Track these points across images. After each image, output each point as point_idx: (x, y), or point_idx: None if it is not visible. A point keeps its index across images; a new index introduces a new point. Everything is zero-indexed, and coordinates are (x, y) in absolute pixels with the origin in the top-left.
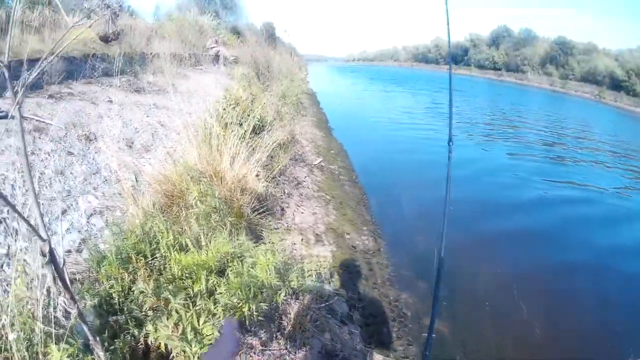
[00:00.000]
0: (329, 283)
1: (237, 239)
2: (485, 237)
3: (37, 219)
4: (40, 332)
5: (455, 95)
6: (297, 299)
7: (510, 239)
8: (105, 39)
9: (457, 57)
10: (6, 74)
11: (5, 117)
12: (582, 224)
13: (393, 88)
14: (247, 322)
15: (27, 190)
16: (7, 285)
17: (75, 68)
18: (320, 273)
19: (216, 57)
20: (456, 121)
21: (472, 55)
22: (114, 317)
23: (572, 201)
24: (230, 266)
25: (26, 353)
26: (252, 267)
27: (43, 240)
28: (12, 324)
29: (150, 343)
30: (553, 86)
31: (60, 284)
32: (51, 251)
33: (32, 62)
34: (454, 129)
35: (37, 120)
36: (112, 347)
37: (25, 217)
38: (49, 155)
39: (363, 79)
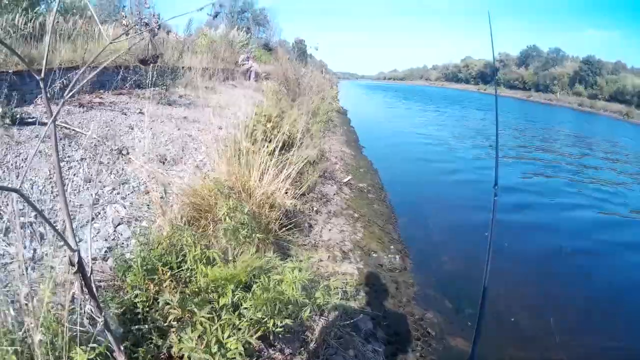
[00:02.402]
0: (355, 300)
1: (265, 255)
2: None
3: (67, 230)
4: (65, 336)
5: (488, 114)
6: (322, 316)
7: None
8: (144, 62)
9: (487, 76)
10: (42, 86)
11: (35, 123)
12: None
13: (424, 107)
14: (271, 337)
15: (56, 196)
16: (32, 289)
17: (107, 78)
18: (346, 290)
19: (248, 73)
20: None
21: (501, 75)
22: (137, 326)
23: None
24: (257, 281)
25: (50, 356)
26: (278, 284)
27: (73, 250)
28: (39, 327)
29: (173, 354)
30: (582, 106)
31: (87, 292)
32: (80, 261)
33: (65, 70)
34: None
35: (70, 130)
36: (134, 355)
37: (54, 224)
38: (78, 163)
39: (394, 97)
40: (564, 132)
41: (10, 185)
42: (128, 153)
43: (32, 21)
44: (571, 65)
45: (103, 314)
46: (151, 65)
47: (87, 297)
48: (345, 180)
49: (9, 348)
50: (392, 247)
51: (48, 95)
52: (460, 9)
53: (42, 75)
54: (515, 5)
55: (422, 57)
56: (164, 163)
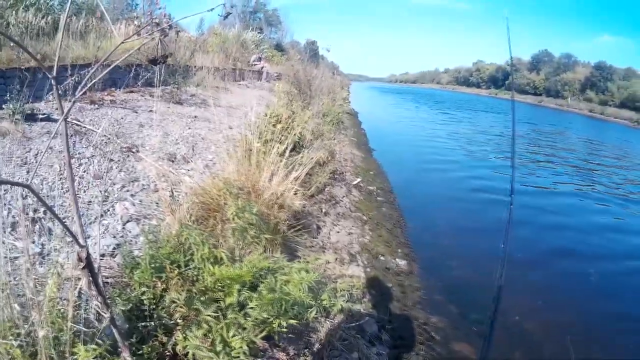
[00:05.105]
0: (361, 303)
1: (273, 255)
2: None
3: (76, 226)
4: (69, 331)
5: (501, 119)
6: (328, 317)
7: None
8: (154, 62)
9: (498, 81)
10: (54, 83)
11: (48, 119)
12: None
13: (435, 110)
14: (276, 337)
15: (65, 192)
16: (39, 284)
17: (118, 76)
18: (352, 293)
19: (259, 73)
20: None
21: (510, 80)
22: (143, 323)
23: None
24: (264, 281)
25: (53, 351)
26: (285, 284)
27: (81, 246)
28: (43, 322)
29: (178, 351)
30: (592, 112)
31: (94, 288)
32: (88, 257)
33: (78, 67)
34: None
35: (81, 127)
36: (139, 352)
37: (63, 220)
38: (88, 160)
39: (405, 100)
40: (578, 138)
41: (21, 181)
42: (138, 151)
43: (45, 18)
44: (582, 71)
45: (110, 310)
46: (161, 64)
47: (94, 293)
48: (354, 182)
49: (14, 342)
50: (399, 250)
51: (60, 92)
52: (473, 11)
53: (54, 73)
54: (528, 9)
55: (433, 60)
56: (173, 162)
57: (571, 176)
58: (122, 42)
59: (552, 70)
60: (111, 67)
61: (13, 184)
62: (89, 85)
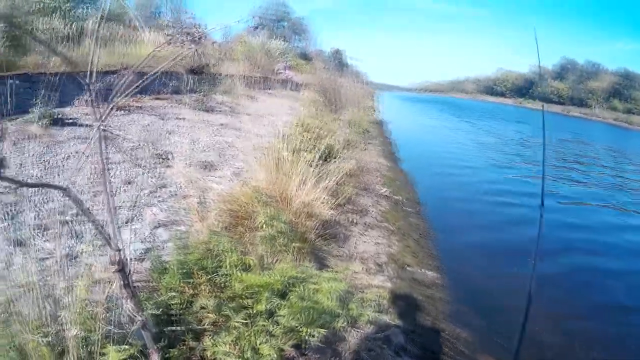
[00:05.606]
0: (387, 313)
1: (302, 264)
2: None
3: (110, 230)
4: (99, 332)
5: (526, 129)
6: (355, 327)
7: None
8: (192, 71)
9: (522, 89)
10: (89, 89)
11: (75, 124)
12: None
13: (460, 118)
14: (303, 345)
15: (93, 196)
16: (69, 285)
17: (146, 83)
18: (379, 303)
19: (285, 81)
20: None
21: (537, 88)
22: (170, 328)
23: None
24: (293, 290)
25: (82, 351)
26: (314, 293)
27: (116, 250)
28: (72, 322)
29: (205, 357)
30: (617, 120)
31: (126, 291)
32: (121, 261)
33: (103, 74)
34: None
35: (111, 133)
36: (167, 356)
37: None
38: (116, 165)
39: (431, 109)
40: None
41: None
42: (169, 158)
43: (71, 25)
44: (607, 79)
45: (142, 313)
46: (199, 74)
47: (126, 296)
48: (382, 192)
49: (42, 340)
50: (426, 261)
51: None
52: (491, 18)
53: (90, 80)
54: (549, 15)
55: (458, 69)
56: (206, 169)
57: (603, 188)
58: (154, 51)
59: (577, 78)
60: (154, 73)
61: (52, 187)
62: (129, 91)
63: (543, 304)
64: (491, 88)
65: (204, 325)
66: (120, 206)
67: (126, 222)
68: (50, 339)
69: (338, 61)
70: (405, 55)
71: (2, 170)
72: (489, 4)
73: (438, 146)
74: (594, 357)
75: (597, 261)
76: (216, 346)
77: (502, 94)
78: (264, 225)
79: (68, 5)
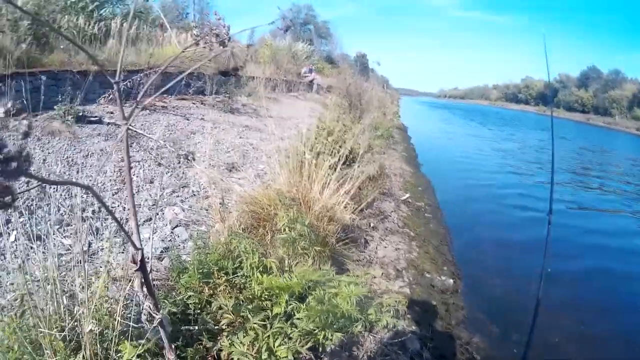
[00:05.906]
0: (404, 319)
1: (322, 267)
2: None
3: (132, 228)
4: (116, 329)
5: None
6: (371, 332)
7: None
8: (225, 73)
9: (547, 97)
10: (116, 89)
11: (99, 122)
12: None
13: (483, 126)
14: (320, 348)
15: (114, 194)
16: (87, 281)
17: (172, 84)
18: (397, 309)
19: (310, 85)
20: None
21: (561, 96)
22: (187, 327)
23: None
24: (312, 293)
25: (98, 346)
26: (334, 297)
27: (137, 249)
28: (89, 318)
29: (221, 357)
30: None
31: (145, 290)
32: (142, 260)
33: (129, 73)
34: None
35: (135, 132)
36: (183, 355)
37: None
38: (138, 163)
39: (454, 115)
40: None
41: (83, 182)
42: (193, 158)
43: (97, 24)
44: (630, 88)
45: (161, 312)
46: (231, 76)
47: (145, 294)
48: (403, 197)
49: (58, 334)
50: (445, 268)
51: (116, 96)
52: (514, 25)
53: (117, 78)
54: (574, 23)
55: (482, 75)
56: (225, 170)
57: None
58: (183, 51)
59: (601, 87)
60: (185, 73)
61: (76, 185)
62: (158, 93)
63: (556, 309)
64: (516, 96)
65: (221, 325)
66: (141, 205)
67: (147, 221)
68: (66, 333)
69: (363, 66)
70: (435, 62)
71: (27, 166)
72: (516, 12)
73: (459, 152)
74: None
75: (612, 266)
76: (233, 346)
77: (527, 102)
78: (286, 228)
79: (94, 4)
